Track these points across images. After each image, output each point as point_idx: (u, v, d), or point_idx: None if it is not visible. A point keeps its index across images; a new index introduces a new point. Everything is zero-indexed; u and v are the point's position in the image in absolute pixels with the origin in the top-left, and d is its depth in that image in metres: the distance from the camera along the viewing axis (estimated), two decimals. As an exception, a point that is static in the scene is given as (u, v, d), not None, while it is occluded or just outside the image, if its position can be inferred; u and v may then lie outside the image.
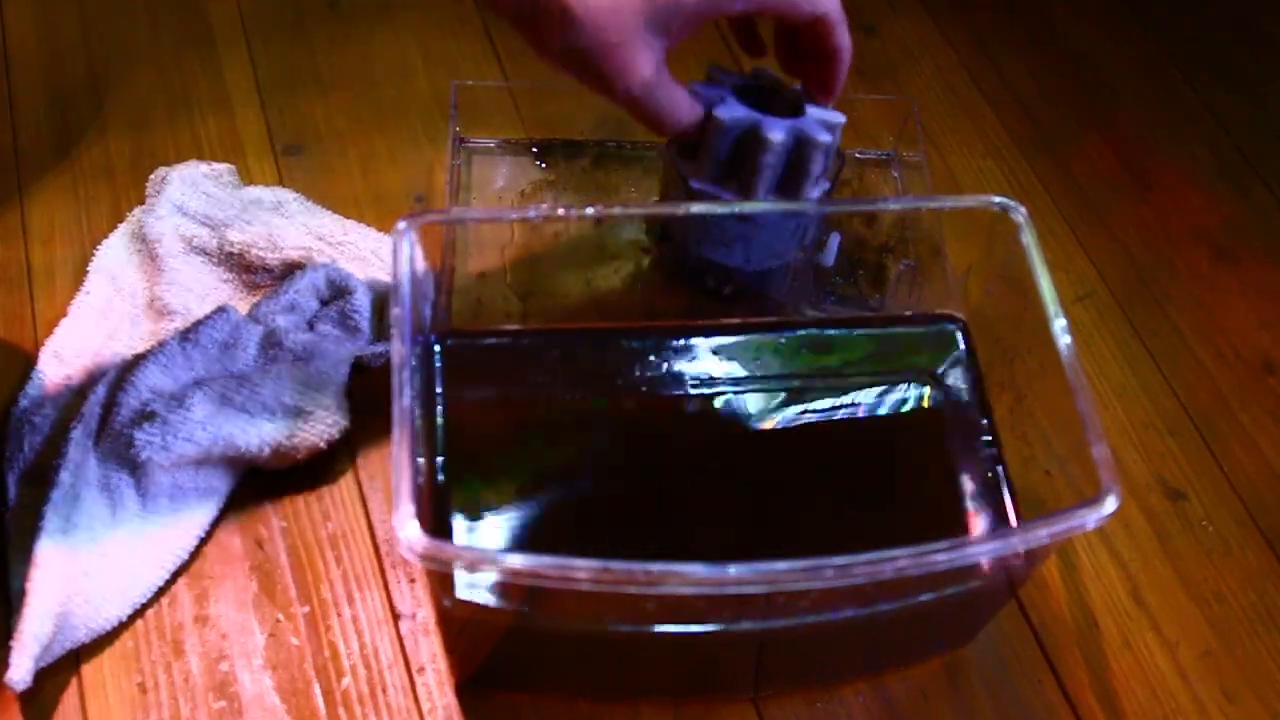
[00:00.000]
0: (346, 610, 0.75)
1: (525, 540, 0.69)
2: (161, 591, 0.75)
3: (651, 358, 0.78)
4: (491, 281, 0.84)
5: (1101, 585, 0.80)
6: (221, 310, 0.82)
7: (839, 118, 0.76)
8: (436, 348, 0.75)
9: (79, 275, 0.86)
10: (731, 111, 0.74)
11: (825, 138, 0.75)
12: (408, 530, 0.55)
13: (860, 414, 0.78)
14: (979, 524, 0.75)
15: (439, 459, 0.71)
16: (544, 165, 0.97)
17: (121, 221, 0.90)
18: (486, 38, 1.06)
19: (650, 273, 0.87)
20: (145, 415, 0.75)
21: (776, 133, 0.74)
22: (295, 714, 0.71)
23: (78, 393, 0.80)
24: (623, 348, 0.79)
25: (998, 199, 0.74)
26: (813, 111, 0.76)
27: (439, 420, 0.72)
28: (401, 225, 0.68)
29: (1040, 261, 0.71)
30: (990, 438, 0.77)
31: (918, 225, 0.88)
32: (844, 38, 0.74)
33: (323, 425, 0.78)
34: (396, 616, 0.75)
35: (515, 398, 0.76)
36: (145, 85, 1.00)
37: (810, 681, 0.75)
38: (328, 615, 0.74)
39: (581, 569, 0.54)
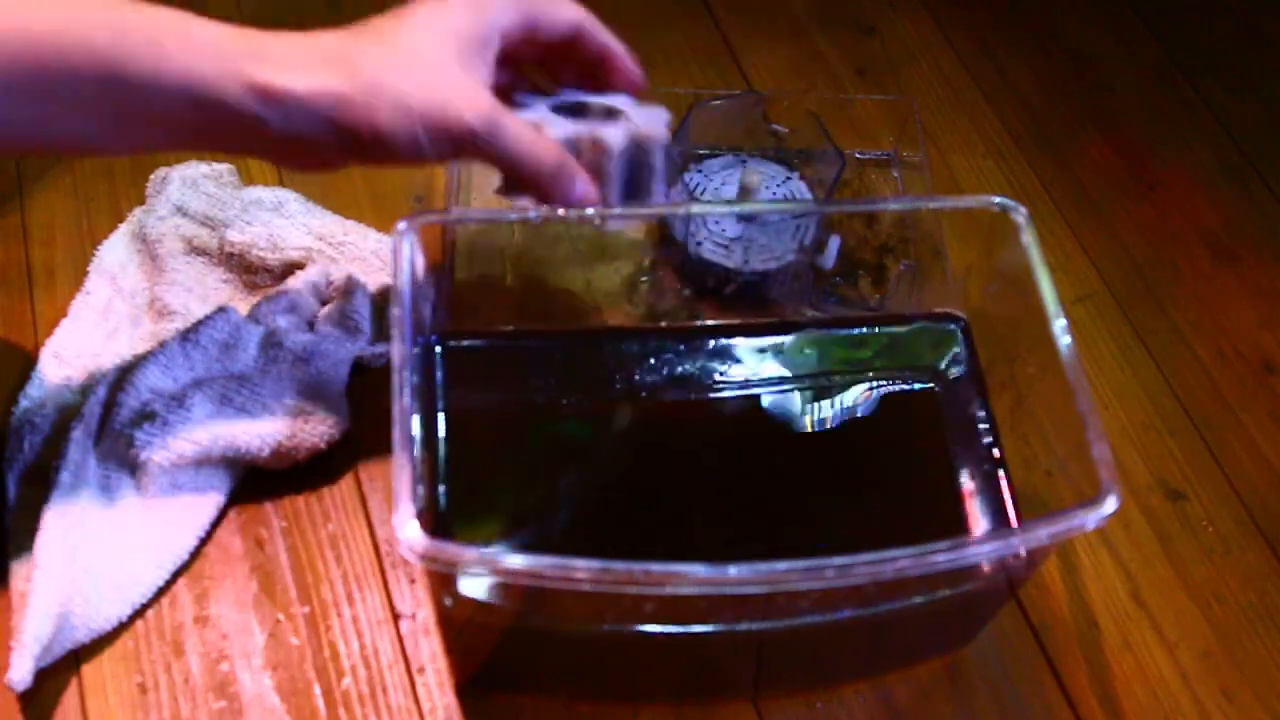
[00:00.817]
0: (346, 610, 0.75)
1: (525, 540, 0.69)
2: (161, 592, 0.75)
3: (652, 359, 0.78)
4: (491, 282, 0.84)
5: (1102, 585, 0.80)
6: (222, 310, 0.82)
7: (662, 110, 0.75)
8: (437, 348, 0.75)
9: (79, 275, 0.86)
10: (562, 129, 0.72)
11: (660, 131, 0.74)
12: (408, 530, 0.55)
13: (861, 414, 0.78)
14: (979, 524, 0.75)
15: (439, 459, 0.71)
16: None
17: (122, 222, 0.90)
18: (487, 38, 1.06)
19: (650, 273, 0.87)
20: (145, 415, 0.76)
21: (615, 136, 0.73)
22: (295, 714, 0.71)
23: (78, 393, 0.80)
24: (623, 349, 0.79)
25: (998, 199, 0.74)
26: (632, 111, 0.75)
27: (439, 420, 0.72)
28: (401, 226, 0.68)
29: (1041, 262, 0.71)
30: (991, 438, 0.77)
31: (918, 225, 0.88)
32: (606, 35, 0.73)
33: (323, 426, 0.79)
34: (396, 616, 0.75)
35: (515, 398, 0.76)
36: (146, 85, 1.00)
37: (811, 682, 0.75)
38: (328, 615, 0.75)
39: (581, 569, 0.54)
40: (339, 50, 0.63)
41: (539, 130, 0.67)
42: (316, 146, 0.62)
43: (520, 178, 0.66)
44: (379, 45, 0.62)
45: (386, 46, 0.62)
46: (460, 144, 0.63)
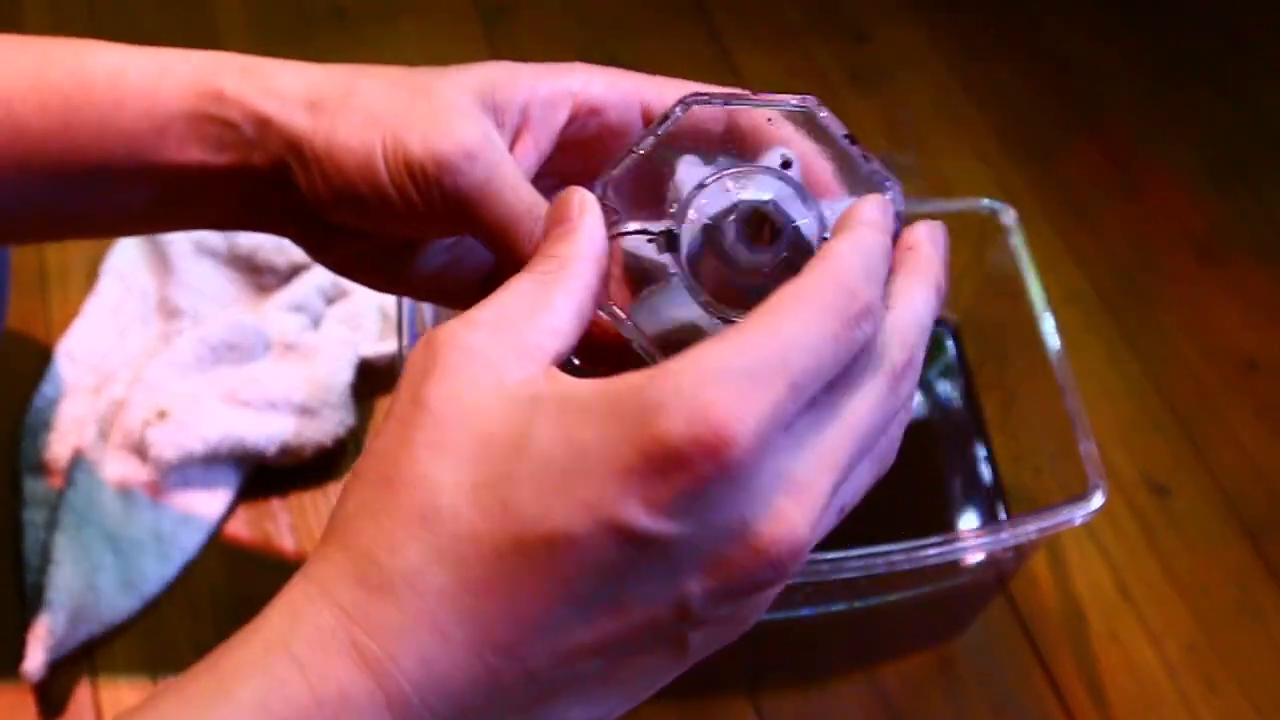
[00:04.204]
0: (353, 604, 0.76)
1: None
2: (171, 586, 0.76)
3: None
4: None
5: (1089, 579, 0.81)
6: (229, 311, 0.83)
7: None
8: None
9: (91, 277, 0.88)
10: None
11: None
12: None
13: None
14: (969, 520, 0.76)
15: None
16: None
17: (130, 224, 0.91)
18: (488, 46, 1.08)
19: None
20: (156, 414, 0.77)
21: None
22: (304, 705, 0.72)
23: (90, 391, 0.81)
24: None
25: (987, 202, 0.75)
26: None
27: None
28: (408, 229, 0.69)
29: (1029, 263, 0.72)
30: (980, 436, 0.78)
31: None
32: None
33: (329, 424, 0.80)
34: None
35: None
36: (151, 90, 1.01)
37: (805, 675, 0.77)
38: (335, 609, 0.76)
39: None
40: (338, 72, 0.47)
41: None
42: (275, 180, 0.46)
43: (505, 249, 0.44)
44: (384, 74, 0.46)
45: (392, 77, 0.46)
46: (422, 181, 0.43)
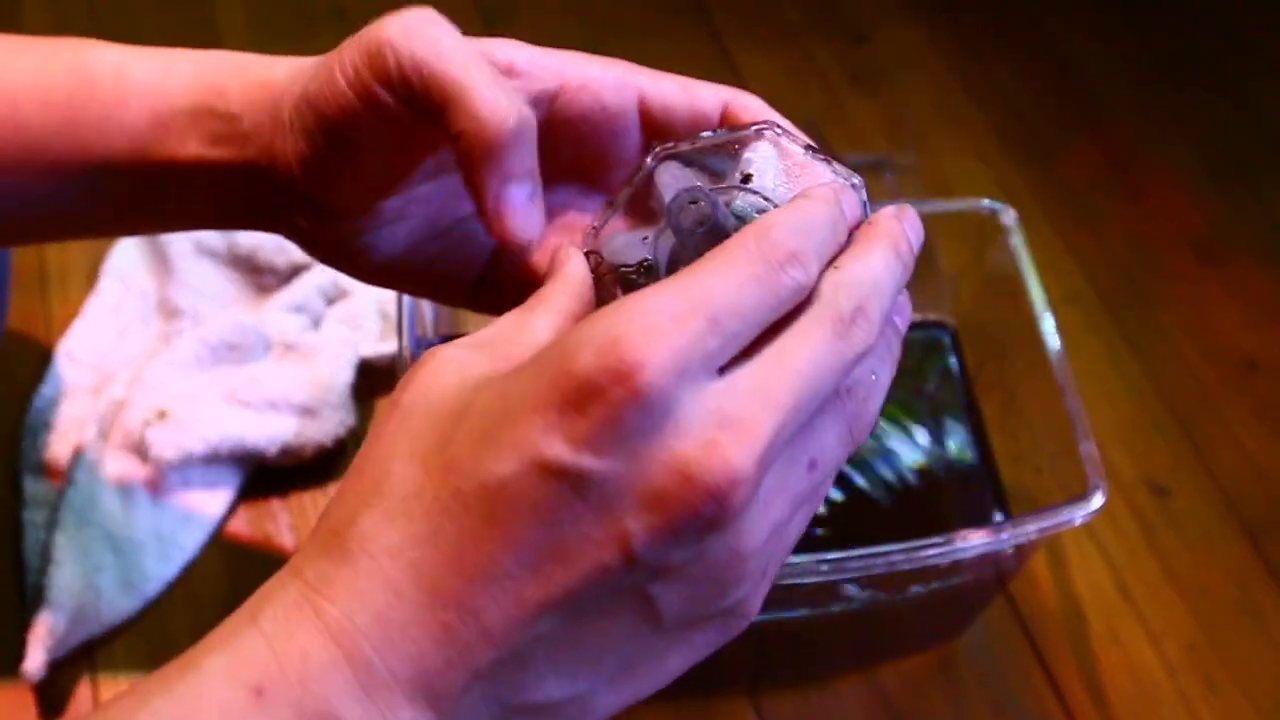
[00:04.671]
0: (353, 604, 0.76)
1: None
2: (172, 586, 0.76)
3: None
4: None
5: (1089, 579, 0.81)
6: (229, 311, 0.83)
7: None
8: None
9: (91, 277, 0.88)
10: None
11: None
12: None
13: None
14: (970, 520, 0.76)
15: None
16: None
17: (131, 224, 0.91)
18: (487, 44, 1.08)
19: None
20: (156, 414, 0.77)
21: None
22: (304, 705, 0.72)
23: (91, 391, 0.81)
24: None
25: (987, 202, 0.75)
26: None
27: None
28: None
29: (1029, 263, 0.73)
30: (980, 436, 0.78)
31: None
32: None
33: (329, 424, 0.80)
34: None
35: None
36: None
37: (806, 675, 0.77)
38: (335, 609, 0.76)
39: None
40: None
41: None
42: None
43: (465, 140, 0.41)
44: None
45: None
46: (379, 61, 0.42)
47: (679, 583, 0.35)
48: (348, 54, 0.43)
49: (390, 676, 0.34)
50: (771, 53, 1.11)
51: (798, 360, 0.35)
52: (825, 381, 0.36)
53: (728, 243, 0.36)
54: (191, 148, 0.47)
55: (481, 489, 0.34)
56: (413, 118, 0.42)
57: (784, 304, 0.36)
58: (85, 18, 1.07)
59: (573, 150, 0.46)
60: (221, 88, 0.47)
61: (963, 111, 1.09)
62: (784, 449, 0.36)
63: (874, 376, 0.39)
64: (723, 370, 0.35)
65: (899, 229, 0.40)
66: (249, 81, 0.47)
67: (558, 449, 0.33)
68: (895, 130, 1.02)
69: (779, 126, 0.43)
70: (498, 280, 0.49)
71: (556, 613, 0.35)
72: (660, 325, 0.33)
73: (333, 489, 0.81)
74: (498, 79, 0.42)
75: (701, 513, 0.34)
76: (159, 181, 0.49)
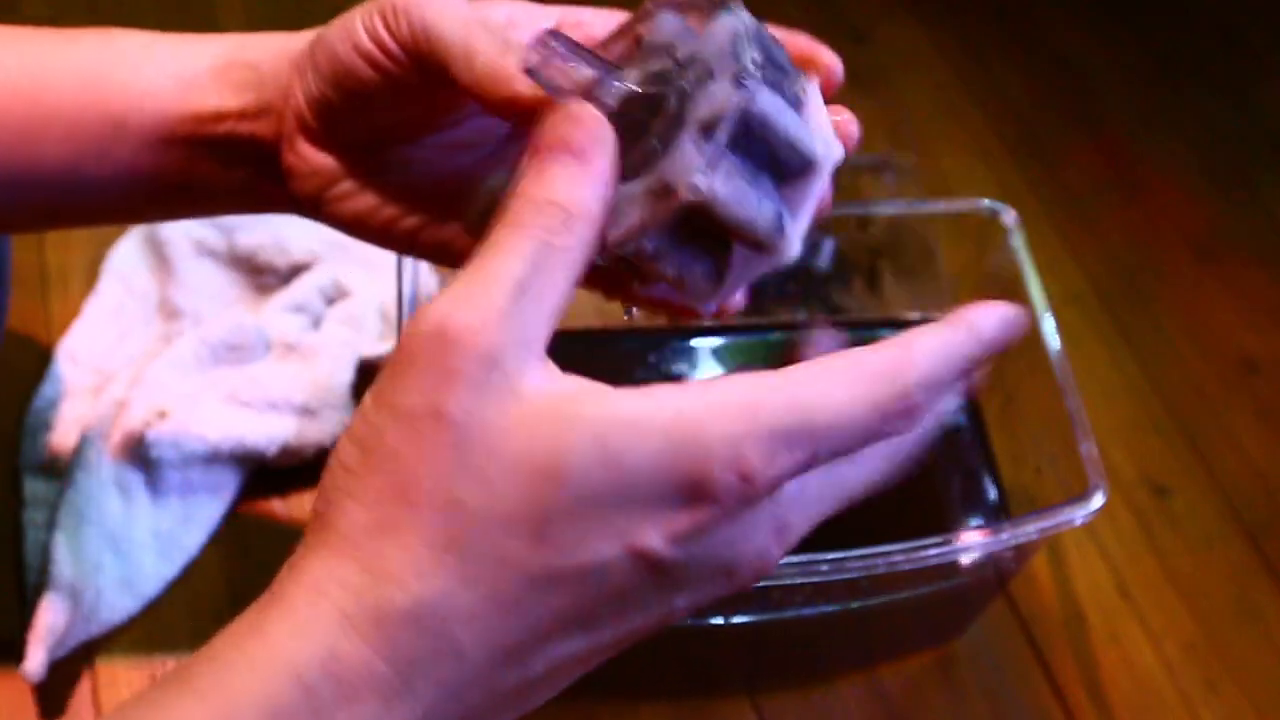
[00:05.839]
0: (353, 604, 0.76)
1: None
2: (172, 586, 0.76)
3: (650, 358, 0.80)
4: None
5: (1089, 579, 0.81)
6: (230, 311, 0.83)
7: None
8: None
9: (92, 277, 0.88)
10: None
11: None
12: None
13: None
14: (970, 520, 0.76)
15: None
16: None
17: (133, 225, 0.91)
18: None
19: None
20: (157, 414, 0.77)
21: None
22: (304, 705, 0.72)
23: (91, 392, 0.81)
24: (620, 349, 0.80)
25: (987, 202, 0.75)
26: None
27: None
28: (408, 229, 0.69)
29: (1029, 263, 0.73)
30: (980, 436, 0.78)
31: (910, 228, 0.90)
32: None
33: (329, 424, 0.80)
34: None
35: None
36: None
37: (805, 675, 0.77)
38: (335, 609, 0.76)
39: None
40: None
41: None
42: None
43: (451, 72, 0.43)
44: None
45: None
46: (393, 22, 0.44)
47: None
48: (369, 10, 0.44)
49: None
50: (771, 53, 1.11)
51: (852, 483, 0.39)
52: (860, 491, 0.40)
53: (869, 368, 0.36)
54: (213, 100, 0.49)
55: (579, 570, 0.34)
56: (422, 77, 0.44)
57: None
58: (85, 15, 1.06)
59: None
60: (241, 45, 0.50)
61: (963, 111, 1.09)
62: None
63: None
64: None
65: (982, 340, 0.39)
66: (268, 42, 0.50)
67: (656, 542, 0.34)
68: (895, 130, 1.02)
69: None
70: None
71: (588, 660, 0.37)
72: (779, 453, 0.34)
73: (333, 489, 0.80)
74: (498, 43, 0.42)
75: (737, 594, 0.37)
76: (179, 143, 0.50)
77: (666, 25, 0.41)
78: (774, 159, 0.39)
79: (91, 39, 0.52)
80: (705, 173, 0.37)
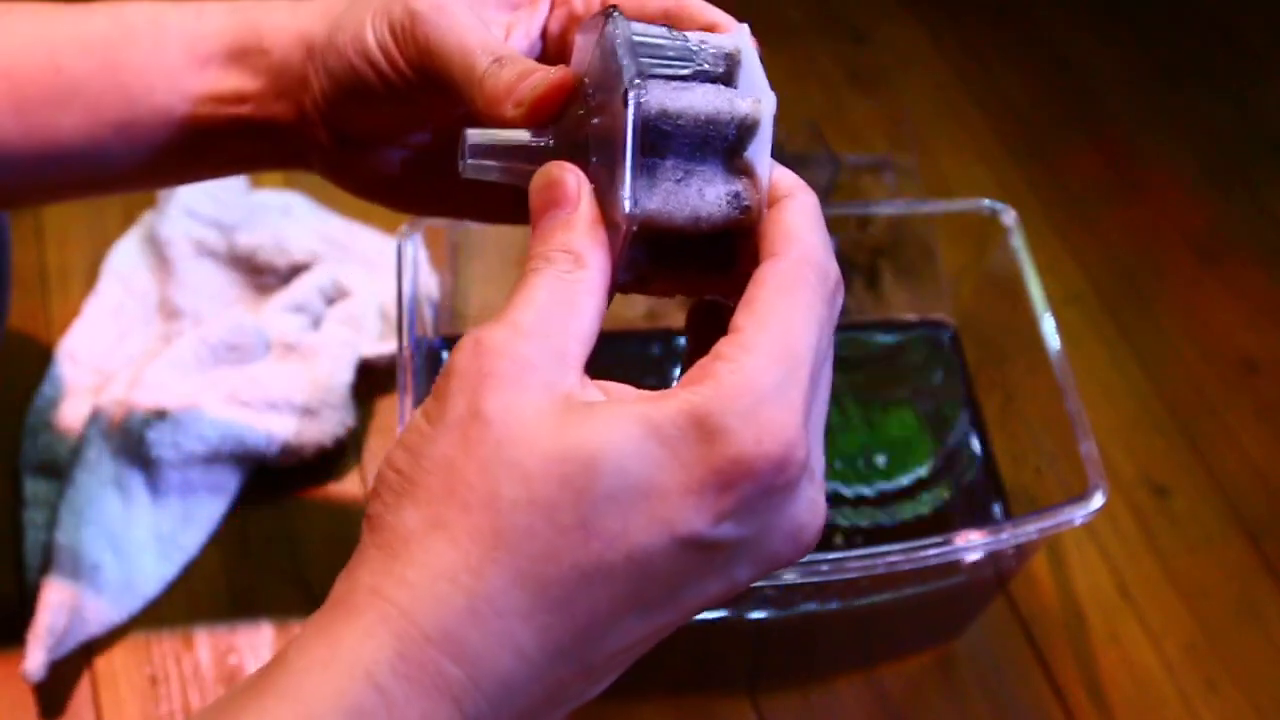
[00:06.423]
0: (353, 604, 0.76)
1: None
2: (172, 586, 0.76)
3: (650, 359, 0.80)
4: (495, 284, 0.85)
5: (1089, 579, 0.81)
6: (230, 311, 0.83)
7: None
8: (440, 349, 0.76)
9: (92, 277, 0.88)
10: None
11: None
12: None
13: (854, 414, 0.79)
14: (970, 520, 0.76)
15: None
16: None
17: (133, 224, 0.91)
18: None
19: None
20: (156, 414, 0.77)
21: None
22: (304, 705, 0.72)
23: (91, 392, 0.81)
24: (622, 349, 0.80)
25: (988, 202, 0.76)
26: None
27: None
28: (406, 228, 0.69)
29: (1029, 264, 0.73)
30: (980, 436, 0.78)
31: (910, 228, 0.90)
32: None
33: (329, 424, 0.80)
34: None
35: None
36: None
37: (806, 674, 0.77)
38: (335, 609, 0.76)
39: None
40: None
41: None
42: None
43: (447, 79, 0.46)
44: None
45: None
46: (400, 35, 0.47)
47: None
48: (380, 17, 0.47)
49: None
50: (771, 53, 1.10)
51: (829, 381, 0.40)
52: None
53: (788, 277, 0.38)
54: (229, 81, 0.52)
55: (628, 560, 0.35)
56: (425, 83, 0.47)
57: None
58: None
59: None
60: (254, 25, 0.51)
61: (963, 111, 1.09)
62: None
63: None
64: None
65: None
66: (279, 24, 0.51)
67: (700, 525, 0.35)
68: (895, 130, 1.02)
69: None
70: None
71: (647, 644, 0.37)
72: (790, 401, 0.36)
73: (333, 489, 0.81)
74: (501, 56, 0.44)
75: (801, 558, 0.38)
76: (193, 119, 0.52)
77: (579, 54, 0.43)
78: (705, 139, 0.40)
79: (103, 15, 0.53)
80: (630, 198, 0.38)
